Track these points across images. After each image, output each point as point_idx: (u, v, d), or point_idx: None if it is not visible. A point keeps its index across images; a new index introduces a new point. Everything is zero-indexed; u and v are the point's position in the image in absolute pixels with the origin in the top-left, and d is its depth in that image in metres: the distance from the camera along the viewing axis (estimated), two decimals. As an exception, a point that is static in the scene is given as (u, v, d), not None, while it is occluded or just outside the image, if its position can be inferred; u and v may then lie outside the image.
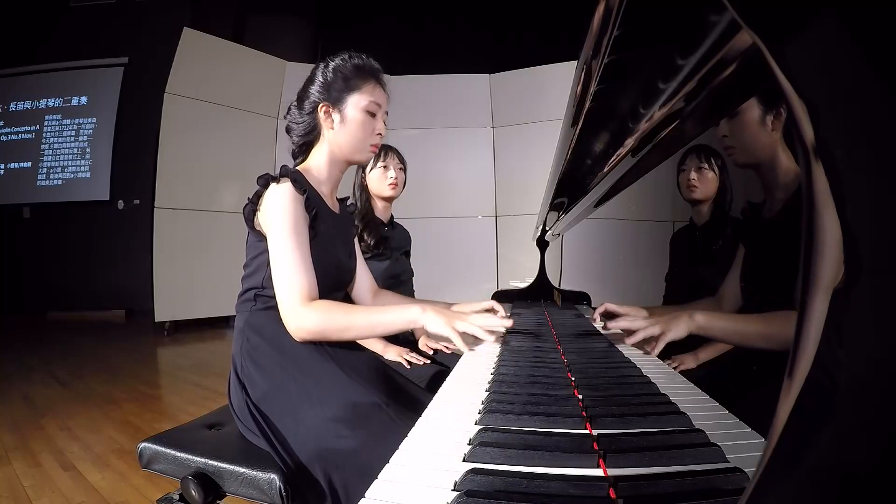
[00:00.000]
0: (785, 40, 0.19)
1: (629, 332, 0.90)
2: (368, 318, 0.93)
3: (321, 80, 1.02)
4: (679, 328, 0.77)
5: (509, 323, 0.98)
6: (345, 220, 1.14)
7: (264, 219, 0.94)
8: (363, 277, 1.21)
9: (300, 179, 0.96)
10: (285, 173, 0.95)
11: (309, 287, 0.90)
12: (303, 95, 1.05)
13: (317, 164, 1.05)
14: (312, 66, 1.07)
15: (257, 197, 0.95)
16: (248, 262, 0.99)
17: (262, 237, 0.95)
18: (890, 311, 0.16)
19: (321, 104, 1.01)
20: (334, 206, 1.09)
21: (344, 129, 1.02)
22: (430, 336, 1.70)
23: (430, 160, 5.51)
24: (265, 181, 0.96)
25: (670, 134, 0.74)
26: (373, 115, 1.03)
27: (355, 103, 1.02)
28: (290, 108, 1.08)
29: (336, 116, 1.02)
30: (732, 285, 0.60)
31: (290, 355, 0.91)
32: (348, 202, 1.21)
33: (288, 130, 1.09)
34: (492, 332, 0.94)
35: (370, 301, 1.22)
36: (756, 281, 0.55)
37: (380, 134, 1.06)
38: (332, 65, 1.03)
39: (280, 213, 0.91)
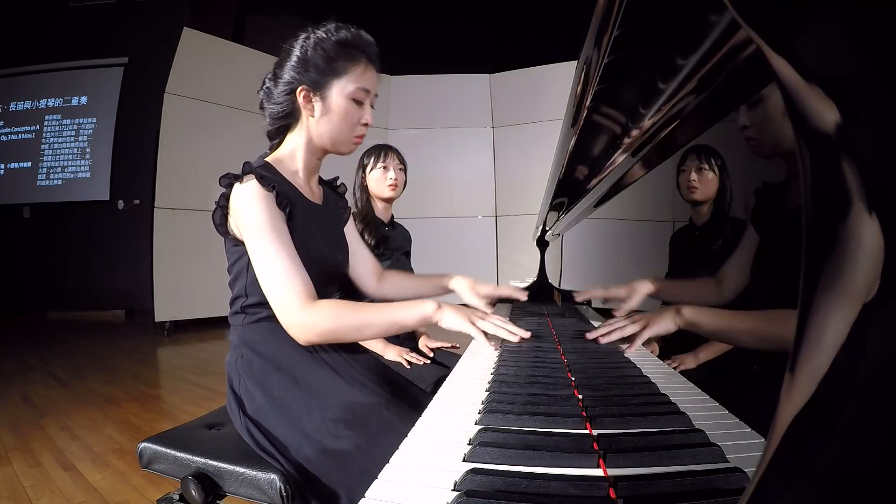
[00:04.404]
0: (787, 38, 0.19)
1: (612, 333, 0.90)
2: (382, 317, 0.86)
3: (300, 55, 0.89)
4: (664, 322, 0.77)
5: (526, 335, 0.91)
6: (329, 208, 1.04)
7: (237, 223, 0.86)
8: (366, 261, 1.13)
9: (267, 175, 0.87)
10: (249, 170, 0.86)
11: (305, 287, 0.83)
12: (279, 72, 0.92)
13: (291, 152, 0.95)
14: None
15: (225, 199, 0.87)
16: (229, 267, 0.93)
17: (237, 242, 0.89)
18: None
19: (300, 87, 0.89)
20: (314, 194, 1.00)
21: (326, 118, 0.91)
22: (430, 337, 1.70)
23: (430, 160, 5.52)
24: (228, 181, 0.86)
25: (670, 134, 0.74)
26: (359, 102, 0.92)
27: (340, 90, 0.90)
28: (264, 82, 0.95)
29: (317, 104, 0.90)
30: (733, 270, 0.59)
31: (287, 370, 0.88)
32: (337, 182, 1.11)
33: (262, 107, 0.96)
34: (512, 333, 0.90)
35: (375, 284, 1.15)
36: (772, 275, 0.53)
37: (366, 124, 0.94)
38: (313, 38, 0.89)
39: (252, 214, 0.83)
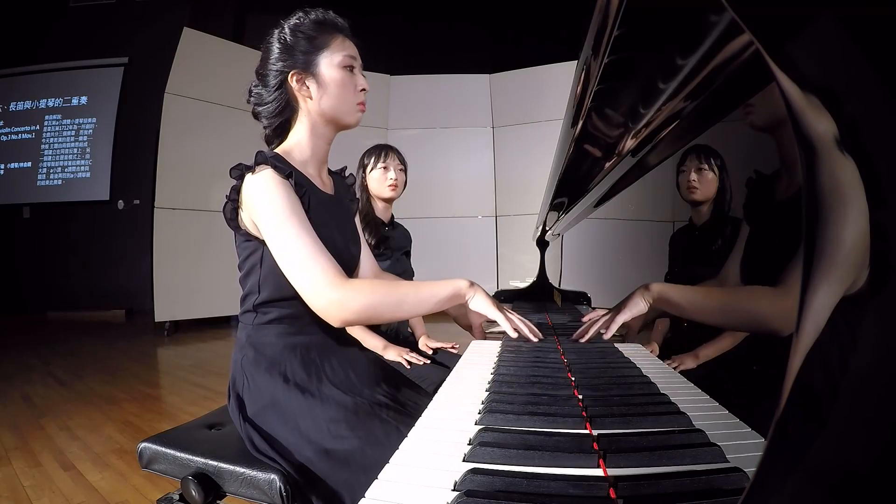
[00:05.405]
0: (785, 39, 0.19)
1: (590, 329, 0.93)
2: (417, 292, 0.85)
3: (280, 45, 0.90)
4: (635, 304, 0.80)
5: (542, 337, 0.94)
6: (341, 199, 1.03)
7: (251, 214, 0.84)
8: (365, 258, 1.12)
9: (281, 164, 0.86)
10: (262, 160, 0.85)
11: (334, 266, 0.81)
12: (264, 70, 0.93)
13: (298, 143, 0.94)
14: None
15: (236, 192, 0.86)
16: (241, 264, 0.91)
17: (249, 237, 0.88)
18: None
19: (290, 73, 0.90)
20: (325, 185, 0.99)
21: (325, 95, 0.91)
22: (430, 337, 1.70)
23: (430, 160, 5.52)
24: (239, 173, 0.86)
25: (670, 134, 0.74)
26: (350, 71, 0.93)
27: (329, 62, 0.90)
28: (250, 90, 0.96)
29: (312, 84, 0.91)
30: (734, 267, 0.59)
31: (289, 373, 0.87)
32: (346, 173, 1.11)
33: (256, 115, 0.96)
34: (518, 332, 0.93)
35: None
36: (760, 269, 0.53)
37: (364, 89, 0.94)
38: (288, 26, 0.91)
39: (270, 201, 0.82)
